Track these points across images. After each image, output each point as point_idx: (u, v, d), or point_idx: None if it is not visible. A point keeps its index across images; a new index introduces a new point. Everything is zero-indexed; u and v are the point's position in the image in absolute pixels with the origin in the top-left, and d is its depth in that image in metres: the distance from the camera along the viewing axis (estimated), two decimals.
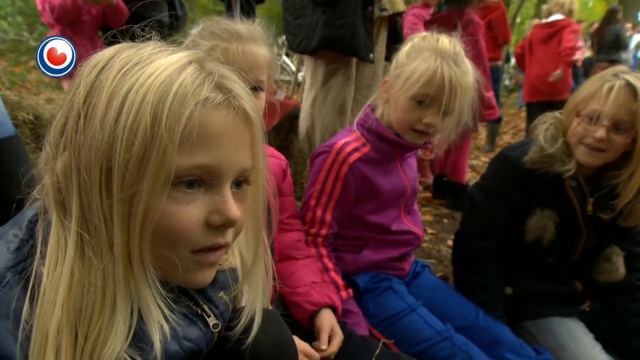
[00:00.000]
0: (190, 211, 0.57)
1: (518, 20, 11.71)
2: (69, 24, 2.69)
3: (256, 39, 1.18)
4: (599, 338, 1.44)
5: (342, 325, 1.24)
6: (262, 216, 0.72)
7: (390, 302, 1.38)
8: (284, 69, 6.70)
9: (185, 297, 0.66)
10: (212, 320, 0.67)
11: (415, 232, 1.50)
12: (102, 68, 0.57)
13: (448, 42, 1.31)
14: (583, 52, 7.99)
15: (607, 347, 1.41)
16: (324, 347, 1.14)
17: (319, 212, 1.39)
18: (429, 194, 3.40)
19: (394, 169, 1.44)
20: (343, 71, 2.13)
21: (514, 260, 1.56)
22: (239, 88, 0.61)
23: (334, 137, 1.46)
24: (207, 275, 0.63)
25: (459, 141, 3.07)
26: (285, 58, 6.43)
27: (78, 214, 0.55)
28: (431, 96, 1.27)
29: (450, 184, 3.24)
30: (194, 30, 1.21)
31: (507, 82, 10.06)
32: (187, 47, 0.64)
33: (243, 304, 0.73)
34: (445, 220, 2.96)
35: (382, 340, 1.24)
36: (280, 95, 3.24)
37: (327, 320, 1.20)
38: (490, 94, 2.99)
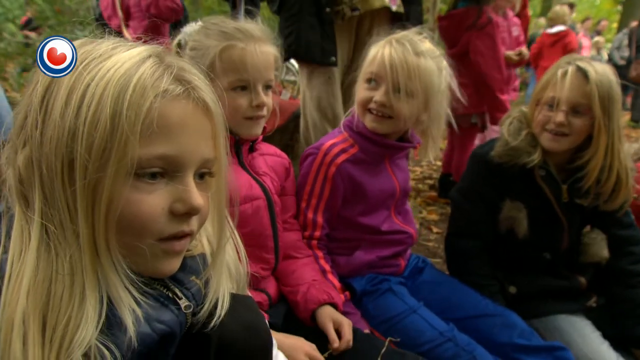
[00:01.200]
0: (154, 200, 0.59)
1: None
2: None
3: (266, 39, 1.19)
4: (606, 335, 1.42)
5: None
6: (224, 205, 0.73)
7: (391, 304, 1.37)
8: (289, 69, 6.68)
9: (156, 282, 0.66)
10: (183, 302, 0.67)
11: (407, 231, 1.50)
12: None
13: (405, 32, 1.35)
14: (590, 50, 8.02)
15: (615, 344, 1.40)
16: (335, 345, 1.13)
17: (310, 215, 1.39)
18: (434, 193, 3.39)
19: (382, 170, 1.44)
20: (322, 71, 2.12)
21: (511, 259, 1.56)
22: (198, 80, 0.63)
23: (323, 139, 1.46)
24: (173, 264, 0.64)
25: (464, 141, 3.07)
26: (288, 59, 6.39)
27: (41, 206, 0.57)
28: (375, 73, 1.32)
29: (456, 183, 3.22)
30: (188, 29, 1.21)
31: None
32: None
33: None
34: None
35: (388, 339, 1.23)
36: (285, 95, 3.23)
37: (327, 315, 1.19)
38: (504, 97, 2.93)
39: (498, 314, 1.37)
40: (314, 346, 1.12)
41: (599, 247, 1.49)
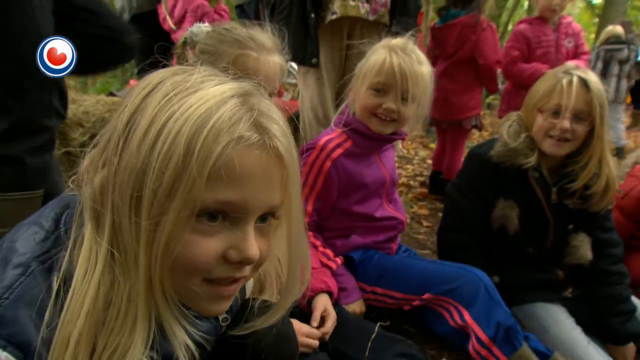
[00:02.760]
0: (210, 244, 0.55)
1: (510, 28, 11.61)
2: None
3: (276, 49, 1.19)
4: (580, 322, 1.45)
5: (339, 309, 1.25)
6: (297, 245, 0.66)
7: (384, 260, 1.45)
8: (290, 72, 6.66)
9: None
10: (221, 315, 0.67)
11: (398, 218, 1.53)
12: (150, 92, 0.55)
13: (399, 39, 1.38)
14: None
15: (587, 330, 1.43)
16: (314, 323, 1.16)
17: None
18: (425, 190, 3.39)
19: (373, 162, 1.47)
20: (313, 72, 2.15)
21: (499, 251, 1.59)
22: (277, 127, 0.57)
23: (319, 135, 1.49)
24: (222, 306, 0.60)
25: (456, 141, 3.08)
26: (291, 62, 6.37)
27: (110, 231, 0.54)
28: (384, 82, 1.33)
29: (446, 181, 3.23)
30: (196, 30, 1.20)
31: (500, 86, 9.98)
32: (234, 77, 0.60)
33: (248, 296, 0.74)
34: (440, 214, 2.95)
35: (378, 323, 1.25)
36: (286, 97, 3.24)
37: (321, 302, 1.21)
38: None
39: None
40: (308, 327, 1.14)
41: (585, 249, 1.50)
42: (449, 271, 1.35)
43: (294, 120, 2.86)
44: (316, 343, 1.10)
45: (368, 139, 1.42)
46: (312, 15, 2.05)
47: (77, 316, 0.51)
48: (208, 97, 0.53)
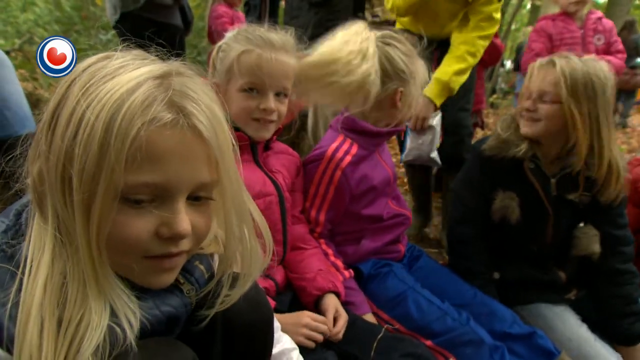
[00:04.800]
0: (140, 223, 0.56)
1: (513, 27, 11.52)
2: None
3: (287, 49, 1.17)
4: (585, 320, 1.42)
5: (347, 310, 1.22)
6: (239, 207, 0.68)
7: (392, 285, 1.37)
8: None
9: None
10: (186, 287, 0.67)
11: (403, 213, 1.50)
12: (73, 81, 0.56)
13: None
14: None
15: (593, 328, 1.40)
16: (330, 324, 1.13)
17: (313, 213, 1.37)
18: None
19: (377, 161, 1.43)
20: None
21: (501, 247, 1.56)
22: (194, 105, 0.57)
23: (322, 142, 1.42)
24: (165, 279, 0.62)
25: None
26: None
27: (52, 215, 0.56)
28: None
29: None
30: (230, 34, 1.20)
31: (502, 85, 9.90)
32: (161, 59, 0.61)
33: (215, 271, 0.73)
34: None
35: (385, 326, 1.22)
36: (292, 95, 3.21)
37: (331, 303, 1.19)
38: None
39: (485, 304, 1.36)
40: (313, 315, 1.12)
41: (590, 241, 1.45)
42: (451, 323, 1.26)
43: (301, 118, 2.82)
44: (319, 337, 1.08)
45: (373, 137, 1.38)
46: (360, 14, 2.10)
47: (35, 291, 0.53)
48: (123, 83, 0.54)
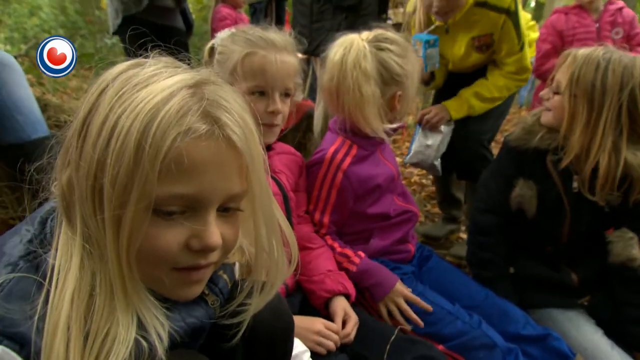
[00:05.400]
0: (171, 236, 0.55)
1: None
2: None
3: (289, 49, 1.16)
4: (599, 325, 1.36)
5: (358, 312, 1.20)
6: (268, 217, 0.66)
7: None
8: None
9: None
10: (210, 298, 0.66)
11: (411, 210, 1.47)
12: (104, 89, 0.55)
13: None
14: None
15: (608, 334, 1.34)
16: (338, 327, 1.11)
17: (317, 215, 1.36)
18: None
19: (379, 160, 1.41)
20: None
21: (517, 241, 1.53)
22: (228, 116, 0.56)
23: (322, 145, 1.41)
24: (193, 291, 0.61)
25: None
26: None
27: (81, 226, 0.55)
28: None
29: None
30: (223, 35, 1.19)
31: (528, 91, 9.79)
32: (190, 67, 0.60)
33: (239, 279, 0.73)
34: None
35: (398, 327, 1.20)
36: (299, 96, 3.20)
37: (340, 306, 1.17)
38: None
39: (496, 305, 1.34)
40: (326, 322, 1.10)
41: (627, 244, 1.35)
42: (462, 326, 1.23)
43: (308, 119, 2.82)
44: (330, 344, 1.06)
45: (371, 137, 1.36)
46: (384, 16, 2.17)
47: (63, 303, 0.52)
48: (157, 91, 0.53)
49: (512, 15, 1.70)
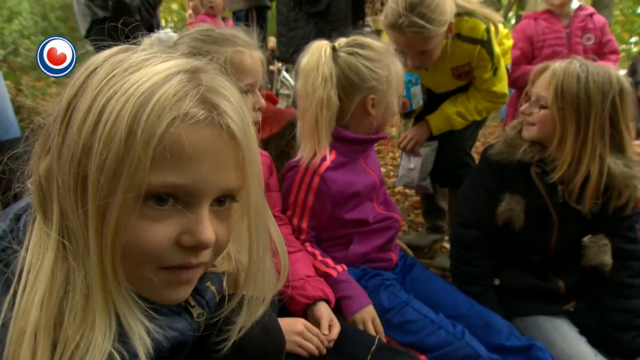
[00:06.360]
0: (161, 229, 0.50)
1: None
2: None
3: (256, 45, 1.18)
4: (582, 333, 1.37)
5: (338, 319, 1.17)
6: (258, 227, 0.62)
7: (384, 299, 1.32)
8: (283, 83, 6.69)
9: None
10: (196, 311, 0.61)
11: (392, 216, 1.46)
12: (93, 71, 0.51)
13: None
14: None
15: (591, 342, 1.35)
16: (325, 331, 1.09)
17: (295, 221, 1.34)
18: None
19: (360, 168, 1.40)
20: None
21: (503, 253, 1.52)
22: (227, 104, 0.52)
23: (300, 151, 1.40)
24: (181, 293, 0.55)
25: None
26: (285, 73, 6.38)
27: (58, 220, 0.50)
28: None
29: None
30: (164, 36, 1.15)
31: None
32: (185, 54, 0.56)
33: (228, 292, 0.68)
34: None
35: (377, 336, 1.17)
36: (282, 104, 3.20)
37: (325, 311, 1.14)
38: None
39: (481, 316, 1.32)
40: (307, 324, 1.08)
41: (600, 251, 1.38)
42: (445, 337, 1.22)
43: (291, 127, 2.81)
44: (310, 346, 1.04)
45: (353, 144, 1.35)
46: (360, 22, 2.26)
47: (31, 308, 0.47)
48: (151, 74, 0.49)
49: (486, 44, 1.74)
